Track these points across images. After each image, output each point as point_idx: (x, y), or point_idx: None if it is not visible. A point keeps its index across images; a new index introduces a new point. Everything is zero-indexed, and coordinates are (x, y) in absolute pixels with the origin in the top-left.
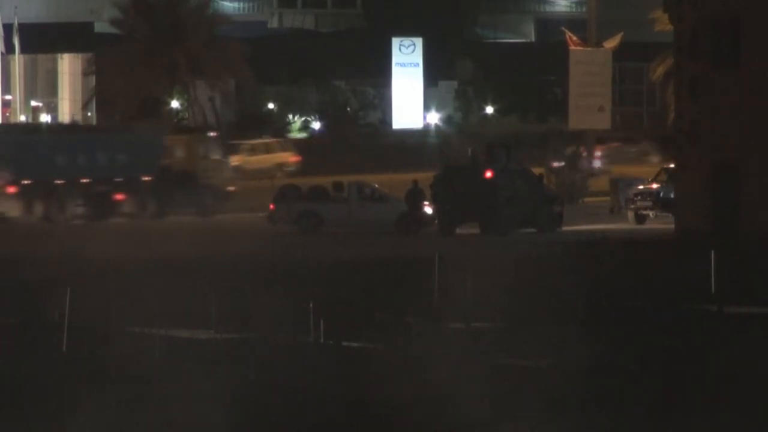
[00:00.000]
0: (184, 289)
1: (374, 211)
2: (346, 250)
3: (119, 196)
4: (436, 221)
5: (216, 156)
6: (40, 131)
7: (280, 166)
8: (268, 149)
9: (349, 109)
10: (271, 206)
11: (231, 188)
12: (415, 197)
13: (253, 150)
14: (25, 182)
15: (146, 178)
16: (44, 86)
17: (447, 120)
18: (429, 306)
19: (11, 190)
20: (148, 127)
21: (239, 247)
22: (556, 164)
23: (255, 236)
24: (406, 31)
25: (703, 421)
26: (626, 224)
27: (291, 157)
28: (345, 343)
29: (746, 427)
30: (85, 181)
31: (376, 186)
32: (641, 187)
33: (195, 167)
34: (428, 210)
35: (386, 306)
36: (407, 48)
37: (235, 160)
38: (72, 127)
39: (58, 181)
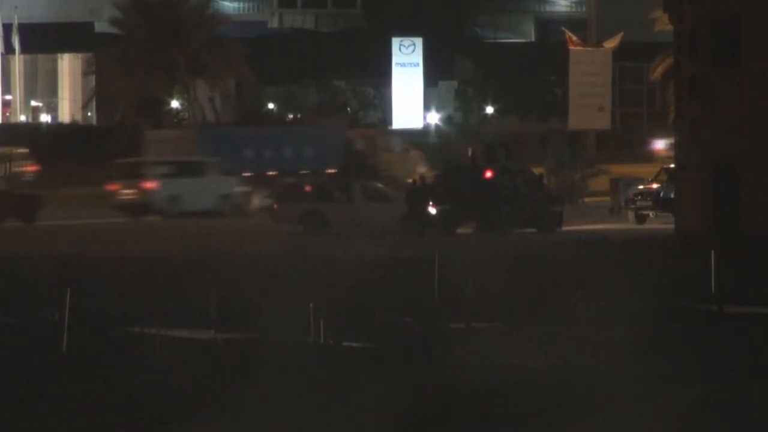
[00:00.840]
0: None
1: (378, 210)
2: (347, 250)
3: (305, 188)
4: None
5: (397, 149)
6: (232, 126)
7: (17, 175)
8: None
9: (349, 109)
10: (275, 206)
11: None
12: (417, 197)
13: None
14: None
15: (331, 171)
16: (44, 86)
17: (447, 120)
18: (429, 306)
19: None
20: (330, 121)
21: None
22: None
23: (261, 236)
24: (406, 31)
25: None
26: (626, 224)
27: (28, 167)
28: (345, 343)
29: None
30: (271, 173)
31: (380, 186)
32: (641, 187)
33: (377, 160)
34: (432, 210)
35: (386, 306)
36: (407, 48)
37: None
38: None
39: (246, 174)
